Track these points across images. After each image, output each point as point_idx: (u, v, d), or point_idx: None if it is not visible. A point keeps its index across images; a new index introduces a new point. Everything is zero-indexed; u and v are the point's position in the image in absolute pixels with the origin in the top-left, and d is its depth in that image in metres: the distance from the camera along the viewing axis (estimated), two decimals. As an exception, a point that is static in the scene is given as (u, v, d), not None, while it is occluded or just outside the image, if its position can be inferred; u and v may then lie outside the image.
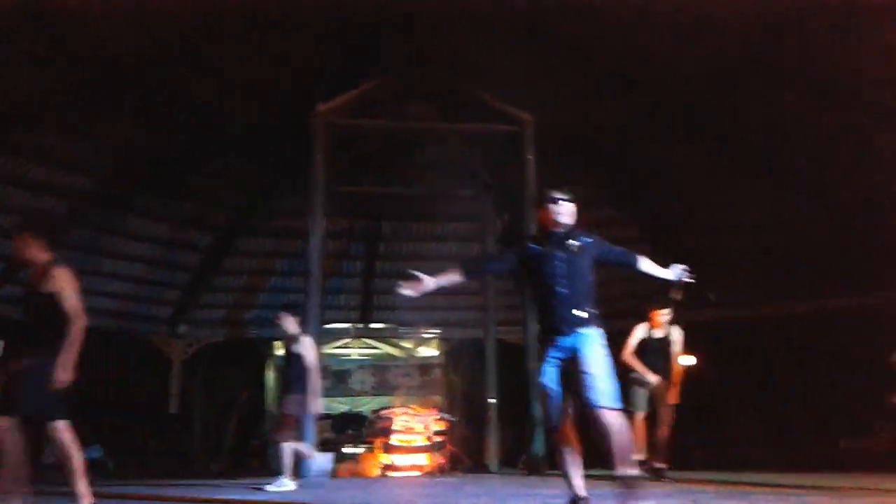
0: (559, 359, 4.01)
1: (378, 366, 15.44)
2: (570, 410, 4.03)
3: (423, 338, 14.92)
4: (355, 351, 15.40)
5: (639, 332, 7.56)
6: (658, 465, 7.29)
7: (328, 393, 13.27)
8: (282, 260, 13.86)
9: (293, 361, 6.97)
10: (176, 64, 9.98)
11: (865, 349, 11.79)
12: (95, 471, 11.47)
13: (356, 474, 10.70)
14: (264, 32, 9.86)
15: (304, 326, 8.36)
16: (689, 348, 7.56)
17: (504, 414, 11.76)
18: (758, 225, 11.09)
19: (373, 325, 14.96)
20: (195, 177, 12.41)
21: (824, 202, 10.99)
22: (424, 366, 14.86)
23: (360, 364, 15.40)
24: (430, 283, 4.05)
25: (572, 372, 3.96)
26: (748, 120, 10.52)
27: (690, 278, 4.27)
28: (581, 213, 4.13)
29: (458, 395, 14.66)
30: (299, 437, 7.37)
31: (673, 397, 7.39)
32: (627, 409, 6.97)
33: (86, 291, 12.89)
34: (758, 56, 9.28)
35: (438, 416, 12.13)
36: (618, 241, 4.41)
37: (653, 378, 7.39)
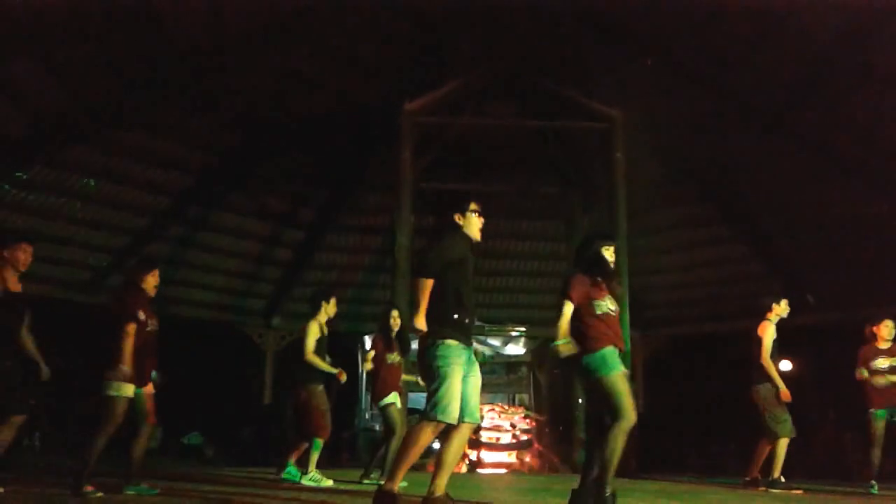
0: None
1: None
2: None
3: (510, 335, 14.87)
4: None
5: (772, 332, 6.67)
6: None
7: (415, 388, 13.37)
8: (369, 256, 14.08)
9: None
10: (253, 63, 10.19)
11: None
12: (194, 457, 12.04)
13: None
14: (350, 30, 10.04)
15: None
16: (786, 352, 7.22)
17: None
18: (849, 227, 10.54)
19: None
20: (280, 173, 12.72)
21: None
22: (511, 364, 14.81)
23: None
24: None
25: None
26: (836, 120, 9.98)
27: None
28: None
29: (545, 394, 14.54)
30: None
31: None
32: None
33: (185, 283, 13.32)
34: (844, 56, 8.82)
35: (525, 415, 12.05)
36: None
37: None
